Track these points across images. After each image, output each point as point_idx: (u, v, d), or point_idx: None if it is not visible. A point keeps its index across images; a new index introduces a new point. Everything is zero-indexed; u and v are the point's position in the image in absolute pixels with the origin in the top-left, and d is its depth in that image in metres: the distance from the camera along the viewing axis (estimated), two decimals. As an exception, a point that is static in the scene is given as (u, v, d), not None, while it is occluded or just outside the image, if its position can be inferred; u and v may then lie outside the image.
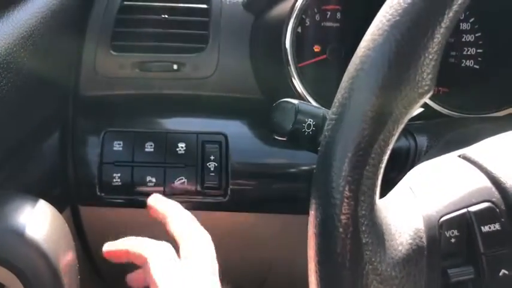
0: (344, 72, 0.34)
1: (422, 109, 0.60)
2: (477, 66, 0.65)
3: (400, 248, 0.32)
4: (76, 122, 0.61)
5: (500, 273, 0.33)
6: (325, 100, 0.58)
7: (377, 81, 0.31)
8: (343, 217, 0.31)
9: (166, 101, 0.63)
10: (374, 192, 0.32)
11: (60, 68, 0.60)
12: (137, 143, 0.60)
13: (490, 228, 0.33)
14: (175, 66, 0.63)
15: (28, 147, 0.54)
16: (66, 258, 0.49)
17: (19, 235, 0.44)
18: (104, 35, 0.63)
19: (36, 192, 0.49)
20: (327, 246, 0.32)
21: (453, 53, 0.65)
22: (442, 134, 0.51)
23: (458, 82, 0.65)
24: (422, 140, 0.51)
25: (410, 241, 0.33)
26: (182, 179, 0.60)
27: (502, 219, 0.33)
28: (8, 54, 0.47)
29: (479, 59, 0.65)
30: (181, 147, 0.60)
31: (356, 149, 0.31)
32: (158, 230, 0.66)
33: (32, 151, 0.55)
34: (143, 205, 0.62)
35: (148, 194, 0.61)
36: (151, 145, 0.60)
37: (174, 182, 0.60)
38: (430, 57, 0.32)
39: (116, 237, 0.67)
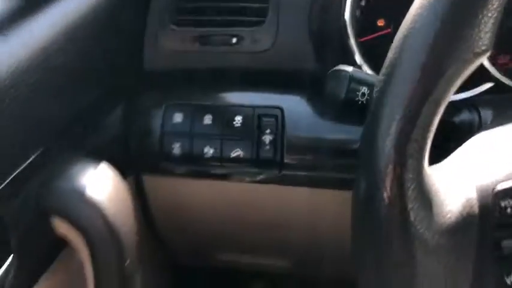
0: None
1: (491, 84, 0.57)
2: None
3: (448, 215, 0.31)
4: (139, 93, 0.64)
5: None
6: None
7: (429, 38, 0.29)
8: (387, 179, 0.30)
9: (225, 75, 0.64)
10: (422, 156, 0.31)
11: (124, 41, 0.63)
12: (196, 115, 0.62)
13: None
14: (234, 40, 0.63)
15: (94, 115, 0.57)
16: (126, 220, 0.51)
17: (83, 195, 0.47)
18: (166, 10, 0.64)
19: (100, 158, 0.52)
20: (370, 212, 0.32)
21: None
22: (508, 108, 0.48)
23: None
24: (487, 114, 0.48)
25: (460, 209, 0.31)
26: (238, 151, 0.60)
27: None
28: (75, 27, 0.50)
29: None
30: (238, 120, 0.61)
31: (405, 109, 0.30)
32: (216, 201, 0.68)
33: (97, 119, 0.58)
34: (201, 175, 0.63)
35: (206, 165, 0.62)
36: (209, 117, 0.61)
37: (230, 154, 0.61)
38: (490, 14, 0.30)
39: (176, 207, 0.69)
